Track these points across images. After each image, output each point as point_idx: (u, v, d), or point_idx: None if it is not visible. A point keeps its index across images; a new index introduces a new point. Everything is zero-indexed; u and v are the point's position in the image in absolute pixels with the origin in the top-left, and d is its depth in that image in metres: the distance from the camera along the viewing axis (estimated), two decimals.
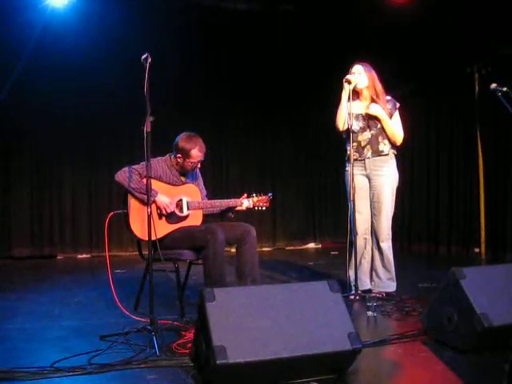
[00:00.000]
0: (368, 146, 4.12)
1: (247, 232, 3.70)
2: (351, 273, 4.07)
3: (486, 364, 2.59)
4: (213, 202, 3.84)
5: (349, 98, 4.01)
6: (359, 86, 4.11)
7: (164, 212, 3.65)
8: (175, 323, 3.26)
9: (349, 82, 4.02)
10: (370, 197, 4.16)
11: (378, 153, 4.11)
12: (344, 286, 3.81)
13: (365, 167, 4.14)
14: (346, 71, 4.13)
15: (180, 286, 3.64)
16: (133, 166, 3.65)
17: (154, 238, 3.07)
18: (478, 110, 6.57)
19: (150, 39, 6.24)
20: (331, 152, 7.78)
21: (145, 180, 3.25)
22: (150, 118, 3.03)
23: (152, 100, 3.02)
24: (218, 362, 2.15)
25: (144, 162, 3.17)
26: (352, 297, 3.99)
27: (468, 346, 2.67)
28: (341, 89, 4.07)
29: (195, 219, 3.76)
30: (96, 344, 2.89)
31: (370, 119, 4.12)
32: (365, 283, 4.16)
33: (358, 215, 4.09)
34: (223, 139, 8.15)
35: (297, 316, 2.41)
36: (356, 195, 4.00)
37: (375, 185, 4.13)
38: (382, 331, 3.20)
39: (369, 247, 4.18)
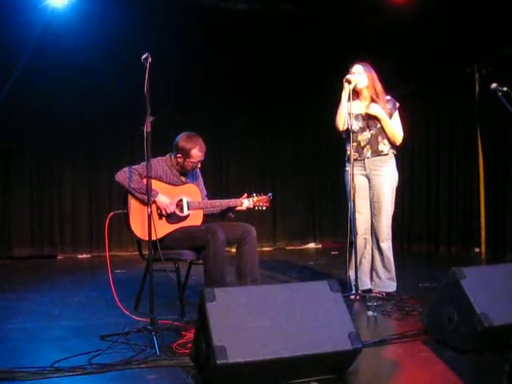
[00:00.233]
0: (368, 146, 4.12)
1: (247, 232, 3.70)
2: (351, 273, 4.07)
3: (486, 364, 2.59)
4: (213, 201, 3.84)
5: (349, 98, 4.01)
6: (359, 86, 4.11)
7: (164, 213, 3.65)
8: (175, 323, 3.26)
9: (349, 82, 4.02)
10: (369, 197, 4.16)
11: (377, 153, 4.11)
12: (344, 286, 3.81)
13: (364, 167, 4.14)
14: (346, 71, 4.13)
15: (180, 285, 3.64)
16: (133, 166, 3.65)
17: (154, 237, 3.07)
18: (478, 109, 6.57)
19: (150, 39, 6.24)
20: (331, 152, 7.78)
21: (145, 180, 3.25)
22: (150, 118, 3.02)
23: (152, 100, 3.02)
24: (218, 361, 2.15)
25: (144, 162, 3.17)
26: (352, 297, 3.99)
27: (468, 346, 2.67)
28: (341, 89, 4.07)
29: (195, 219, 3.76)
30: (96, 344, 2.89)
31: (370, 119, 4.12)
32: (365, 283, 4.16)
33: (357, 215, 4.09)
34: (223, 139, 8.15)
35: (297, 316, 2.41)
36: (356, 195, 4.01)
37: (375, 185, 4.13)
38: (382, 331, 3.21)
39: (369, 247, 4.18)
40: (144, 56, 3.07)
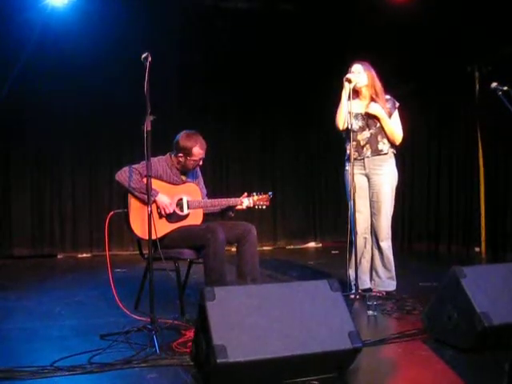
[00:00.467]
0: (367, 145, 4.12)
1: (247, 231, 3.71)
2: (351, 272, 4.07)
3: (486, 363, 2.59)
4: (213, 201, 3.84)
5: (349, 97, 4.01)
6: (359, 85, 4.11)
7: (163, 213, 3.66)
8: (175, 322, 3.26)
9: (349, 81, 4.02)
10: (369, 196, 4.16)
11: (377, 152, 4.11)
12: (344, 285, 3.82)
13: (364, 166, 4.14)
14: (346, 71, 4.13)
15: (180, 285, 3.64)
16: (133, 166, 3.65)
17: (154, 237, 3.07)
18: (479, 109, 6.57)
19: (149, 39, 6.24)
20: (331, 152, 7.77)
21: (145, 179, 3.25)
22: (150, 118, 3.03)
23: (152, 99, 3.02)
24: (218, 360, 2.15)
25: (144, 162, 3.17)
26: (352, 296, 3.99)
27: (468, 345, 2.67)
28: (341, 88, 4.07)
29: (195, 218, 3.77)
30: (96, 343, 2.90)
31: (370, 118, 4.12)
32: (365, 282, 4.16)
33: (357, 214, 4.09)
34: (223, 138, 8.14)
35: (297, 315, 2.41)
36: (356, 194, 4.01)
37: (374, 184, 4.13)
38: (382, 330, 3.21)
39: (369, 246, 4.18)
40: (144, 55, 3.07)
